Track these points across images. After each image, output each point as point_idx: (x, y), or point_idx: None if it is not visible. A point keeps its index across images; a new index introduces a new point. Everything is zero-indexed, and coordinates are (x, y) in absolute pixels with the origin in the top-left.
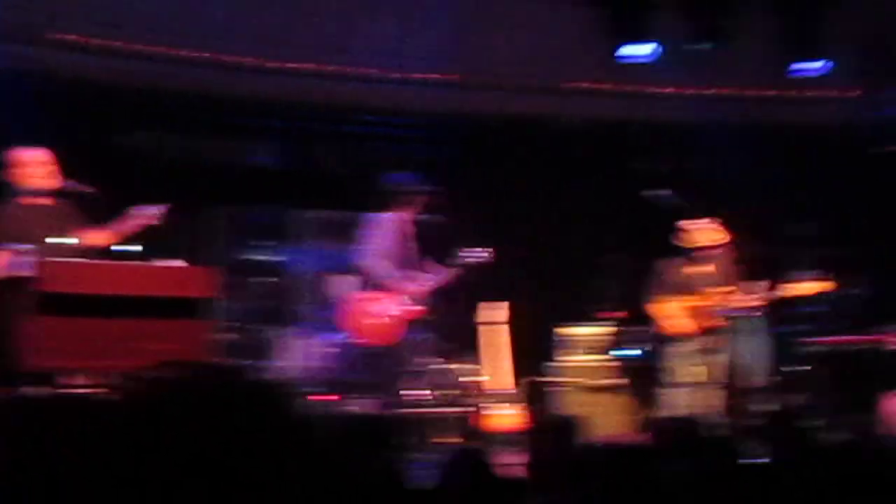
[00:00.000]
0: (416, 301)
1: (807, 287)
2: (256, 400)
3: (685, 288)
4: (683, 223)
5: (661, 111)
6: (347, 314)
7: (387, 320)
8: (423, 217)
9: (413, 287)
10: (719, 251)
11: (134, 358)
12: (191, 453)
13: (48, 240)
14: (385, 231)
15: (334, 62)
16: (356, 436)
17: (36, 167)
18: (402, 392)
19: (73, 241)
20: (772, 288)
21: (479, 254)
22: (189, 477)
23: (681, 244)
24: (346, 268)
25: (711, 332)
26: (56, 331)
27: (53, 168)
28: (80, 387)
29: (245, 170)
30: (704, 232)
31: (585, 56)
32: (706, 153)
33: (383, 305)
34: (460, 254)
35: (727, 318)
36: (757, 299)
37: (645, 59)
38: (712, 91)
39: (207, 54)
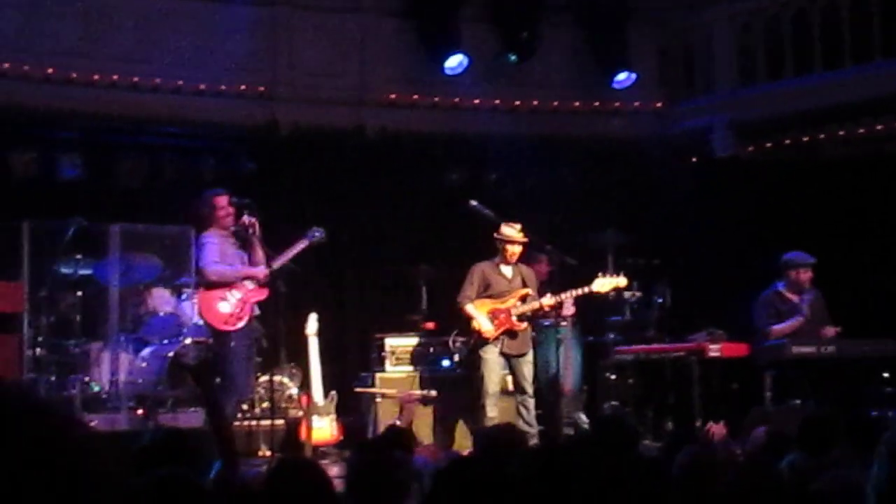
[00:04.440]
0: (258, 286)
1: (601, 284)
2: (31, 422)
3: (491, 290)
4: (502, 226)
5: (468, 123)
6: (201, 311)
7: (234, 304)
8: (242, 227)
9: (253, 270)
10: (520, 256)
11: None
12: None
13: None
14: (213, 242)
15: (135, 73)
16: (162, 450)
17: None
18: (220, 404)
19: None
20: (565, 291)
21: (318, 233)
22: None
23: (497, 246)
24: (156, 280)
25: (511, 336)
26: None
27: None
28: None
29: (48, 182)
30: (513, 234)
31: (391, 67)
32: (512, 164)
33: (230, 292)
34: (310, 232)
35: (526, 322)
36: (550, 300)
37: (453, 70)
38: (517, 103)
39: (6, 65)
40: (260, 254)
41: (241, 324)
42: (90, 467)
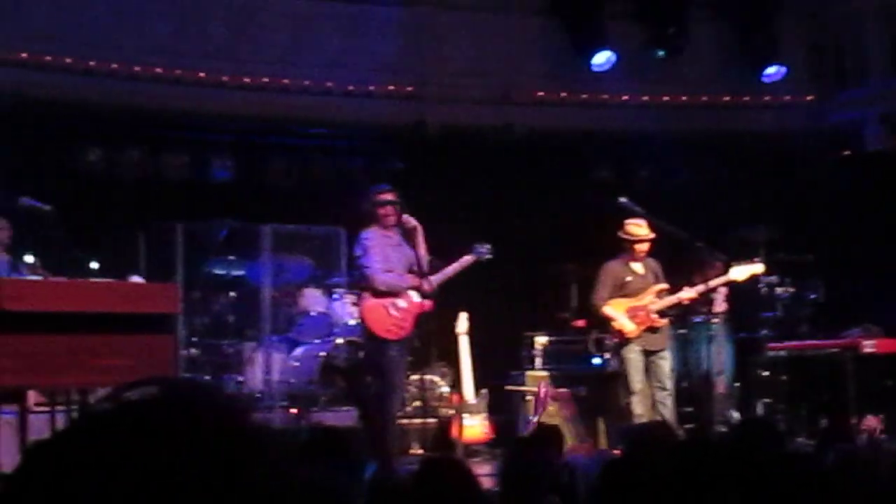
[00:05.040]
0: (423, 296)
1: (738, 272)
2: (222, 419)
3: (625, 289)
4: (625, 223)
5: (615, 120)
6: (363, 317)
7: (398, 315)
8: (403, 226)
9: (419, 282)
10: (649, 251)
11: (93, 375)
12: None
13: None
14: (375, 245)
15: (284, 75)
16: (318, 448)
17: None
18: (375, 404)
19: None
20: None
21: (482, 250)
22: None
23: (623, 244)
24: (307, 280)
25: (652, 331)
26: (15, 349)
27: None
28: (40, 405)
29: (200, 184)
30: (640, 231)
31: (538, 65)
32: (660, 160)
33: (393, 302)
34: (475, 248)
35: (666, 318)
36: (689, 293)
37: (600, 67)
38: (665, 99)
39: (159, 70)
40: (423, 257)
41: (403, 334)
42: (276, 464)
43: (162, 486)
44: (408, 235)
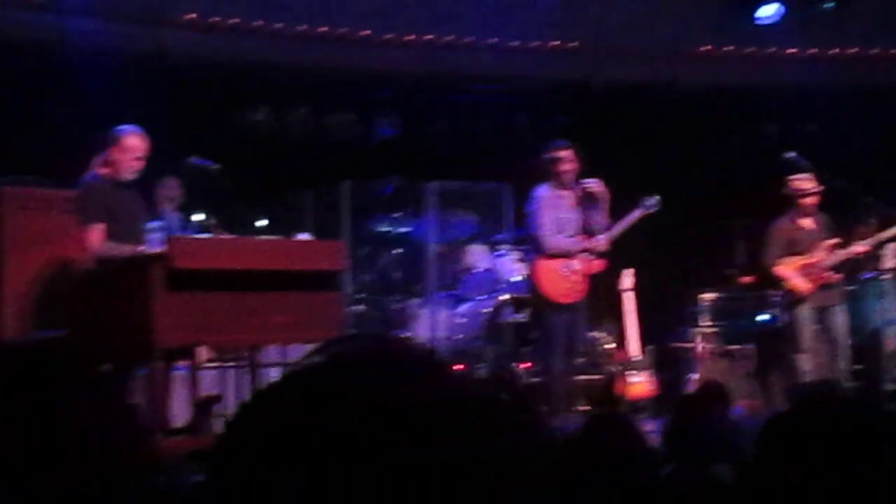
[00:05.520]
0: (595, 255)
1: None
2: (436, 370)
3: (796, 246)
4: (791, 179)
5: (783, 74)
6: (535, 278)
7: (572, 277)
8: (578, 182)
9: (591, 242)
10: (817, 205)
11: (262, 332)
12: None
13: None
14: (547, 202)
15: (448, 32)
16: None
17: (136, 150)
18: (547, 361)
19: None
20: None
21: (651, 202)
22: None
23: (790, 200)
24: (472, 237)
25: (825, 288)
26: (186, 307)
27: (146, 153)
28: (210, 362)
29: (365, 142)
30: (807, 185)
31: (703, 18)
32: (829, 116)
33: (567, 264)
34: (643, 202)
35: (839, 273)
36: (862, 246)
37: (766, 20)
38: (835, 52)
39: (324, 29)
40: (603, 221)
41: (577, 297)
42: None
43: (399, 427)
44: (588, 196)
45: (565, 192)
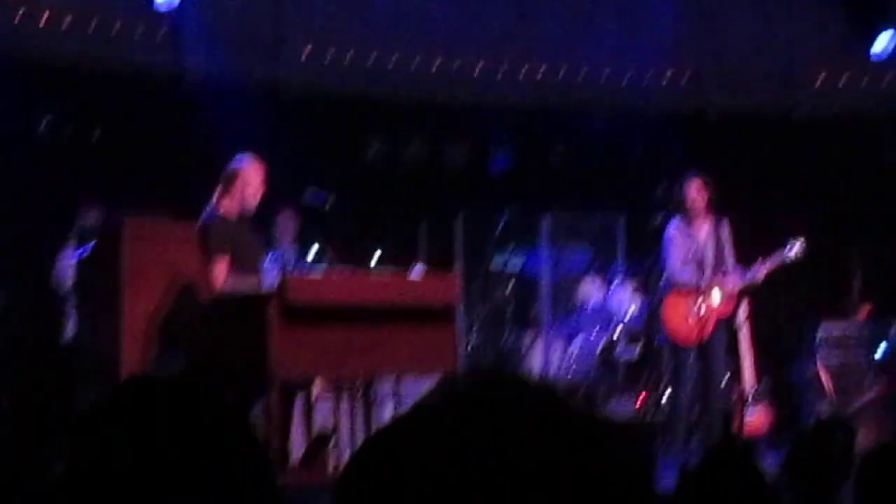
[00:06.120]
0: (726, 299)
1: None
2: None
3: None
4: None
5: None
6: (663, 315)
7: (701, 317)
8: (711, 217)
9: (723, 285)
10: None
11: (377, 364)
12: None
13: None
14: (676, 238)
15: (563, 63)
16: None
17: (257, 181)
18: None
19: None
20: None
21: (796, 247)
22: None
23: None
24: (586, 270)
25: None
26: (302, 340)
27: (265, 181)
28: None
29: (480, 173)
30: None
31: (819, 48)
32: None
33: (694, 306)
34: (785, 247)
35: None
36: None
37: (882, 53)
38: None
39: (439, 61)
40: (730, 259)
41: (703, 336)
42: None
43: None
44: (718, 229)
45: (696, 225)
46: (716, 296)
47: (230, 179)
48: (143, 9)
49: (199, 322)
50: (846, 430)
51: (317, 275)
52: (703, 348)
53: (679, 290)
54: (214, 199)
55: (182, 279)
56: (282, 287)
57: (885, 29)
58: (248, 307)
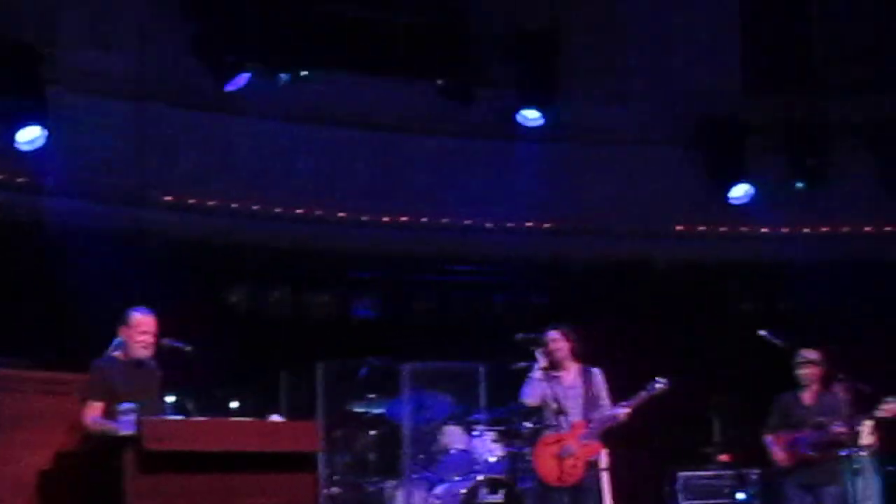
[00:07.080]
0: (591, 439)
1: (889, 409)
2: None
3: (801, 421)
4: (802, 354)
5: (757, 251)
6: (533, 460)
7: (568, 460)
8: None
9: (589, 425)
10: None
11: None
12: None
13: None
14: (540, 380)
15: (425, 214)
16: None
17: (143, 329)
18: None
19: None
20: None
21: (660, 384)
22: None
23: (799, 377)
24: (448, 418)
25: (809, 465)
26: (157, 488)
27: (155, 331)
28: None
29: (342, 323)
30: (815, 364)
31: (677, 197)
32: (806, 291)
33: (565, 447)
34: (651, 384)
35: (824, 451)
36: (865, 430)
37: (738, 200)
38: (807, 230)
39: (300, 210)
40: (605, 404)
41: (573, 480)
42: None
43: None
44: (586, 377)
45: (561, 372)
46: (581, 438)
47: (120, 326)
48: (6, 151)
49: (63, 467)
50: None
51: (173, 423)
52: (576, 491)
53: (547, 437)
54: (113, 344)
55: (51, 428)
56: (138, 434)
57: (741, 182)
58: (106, 453)
